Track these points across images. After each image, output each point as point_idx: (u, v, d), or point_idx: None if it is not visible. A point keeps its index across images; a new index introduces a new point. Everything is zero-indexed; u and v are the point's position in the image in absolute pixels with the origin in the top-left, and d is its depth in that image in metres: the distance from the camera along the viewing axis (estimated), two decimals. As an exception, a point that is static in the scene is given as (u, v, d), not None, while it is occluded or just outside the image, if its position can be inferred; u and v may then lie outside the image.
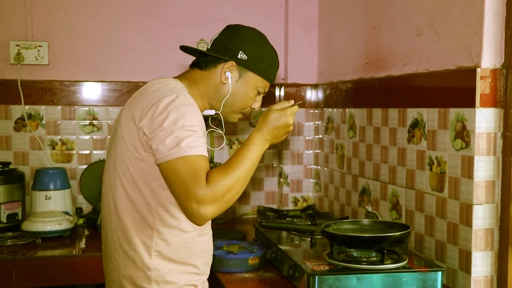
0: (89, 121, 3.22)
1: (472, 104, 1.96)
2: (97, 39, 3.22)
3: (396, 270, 1.97)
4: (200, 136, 1.67)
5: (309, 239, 2.42)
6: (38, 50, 3.10)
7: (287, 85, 3.38)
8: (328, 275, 1.92)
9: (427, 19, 2.24)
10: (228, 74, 1.86)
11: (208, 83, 1.88)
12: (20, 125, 3.14)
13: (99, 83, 3.23)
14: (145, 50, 3.27)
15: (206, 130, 1.86)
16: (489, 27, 1.92)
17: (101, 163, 3.17)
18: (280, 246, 2.28)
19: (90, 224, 3.00)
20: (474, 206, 1.96)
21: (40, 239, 2.70)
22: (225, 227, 3.04)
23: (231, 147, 3.40)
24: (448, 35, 2.11)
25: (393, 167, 2.48)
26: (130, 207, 1.76)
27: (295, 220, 2.78)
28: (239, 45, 1.86)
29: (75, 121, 3.21)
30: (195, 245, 1.81)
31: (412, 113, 2.32)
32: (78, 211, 3.13)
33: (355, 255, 2.07)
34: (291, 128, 1.82)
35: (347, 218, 2.83)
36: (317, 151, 3.36)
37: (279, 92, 3.42)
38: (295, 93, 3.37)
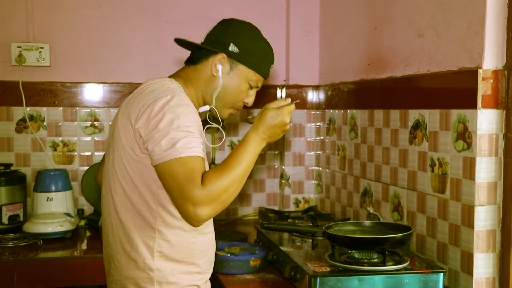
0: (90, 123, 3.23)
1: (473, 105, 1.95)
2: (98, 40, 3.22)
3: (397, 271, 1.96)
4: (196, 137, 1.67)
5: (310, 240, 2.41)
6: (40, 52, 3.11)
7: (288, 86, 3.37)
8: (329, 277, 1.92)
9: (428, 20, 2.24)
10: (219, 66, 1.84)
11: (200, 77, 1.87)
12: (21, 126, 3.14)
13: (101, 85, 3.23)
14: (146, 51, 3.27)
15: (204, 128, 1.86)
16: (491, 28, 1.92)
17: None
18: (282, 248, 2.27)
19: (92, 226, 3.00)
20: (476, 208, 1.96)
21: (41, 241, 2.70)
22: (226, 229, 3.04)
23: (232, 148, 3.40)
24: (449, 36, 2.11)
25: (394, 169, 2.48)
26: (130, 208, 1.75)
27: (296, 221, 2.78)
28: (230, 37, 1.85)
29: (76, 123, 3.21)
30: (197, 245, 1.81)
31: (413, 114, 2.32)
32: (80, 212, 3.13)
33: (356, 256, 2.07)
34: (288, 127, 1.80)
35: (349, 219, 2.82)
36: (318, 152, 3.36)
37: (281, 94, 3.41)
38: (296, 94, 3.37)
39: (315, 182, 3.39)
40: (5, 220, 2.83)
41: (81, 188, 3.19)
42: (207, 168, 1.84)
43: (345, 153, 2.98)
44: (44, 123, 3.17)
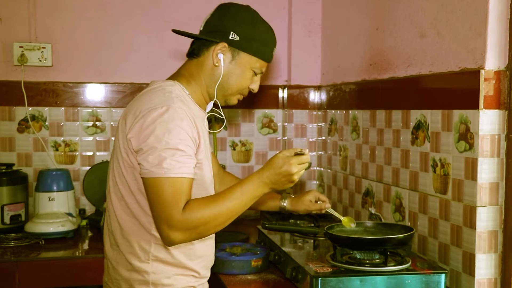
0: (92, 123, 3.23)
1: (476, 106, 1.95)
2: (100, 40, 3.22)
3: (399, 272, 1.96)
4: (185, 155, 1.63)
5: (312, 241, 2.41)
6: (42, 52, 3.11)
7: (290, 87, 3.37)
8: (331, 277, 1.91)
9: (430, 21, 2.24)
10: (220, 56, 1.80)
11: (203, 69, 1.83)
12: (23, 126, 3.15)
13: (102, 85, 3.23)
14: (148, 51, 3.27)
15: (205, 116, 1.83)
16: (493, 29, 1.92)
17: (104, 165, 3.17)
18: (283, 248, 2.27)
19: (93, 226, 3.00)
20: (477, 208, 1.96)
21: (43, 241, 2.70)
22: (227, 229, 3.03)
23: (234, 149, 3.40)
24: (452, 37, 2.11)
25: (396, 169, 2.48)
26: (128, 212, 1.75)
27: (298, 222, 2.77)
28: (230, 25, 1.80)
29: (78, 123, 3.21)
30: (195, 250, 1.80)
31: (415, 115, 2.32)
32: (81, 212, 3.13)
33: (358, 257, 2.06)
34: (295, 177, 1.71)
35: (350, 220, 2.82)
36: (320, 152, 3.36)
37: (283, 94, 3.42)
38: (298, 95, 3.36)
39: (317, 182, 3.39)
40: (6, 220, 2.84)
41: (83, 188, 3.19)
42: (210, 170, 1.83)
43: (347, 153, 2.98)
44: (46, 123, 3.17)
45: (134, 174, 1.71)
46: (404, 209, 2.41)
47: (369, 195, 2.73)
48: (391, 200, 2.52)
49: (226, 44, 1.80)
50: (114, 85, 3.24)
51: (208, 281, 1.91)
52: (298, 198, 2.36)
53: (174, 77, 1.87)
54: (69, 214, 2.88)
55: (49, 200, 2.87)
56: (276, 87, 3.41)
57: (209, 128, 1.90)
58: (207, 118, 1.90)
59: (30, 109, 3.14)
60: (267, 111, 3.44)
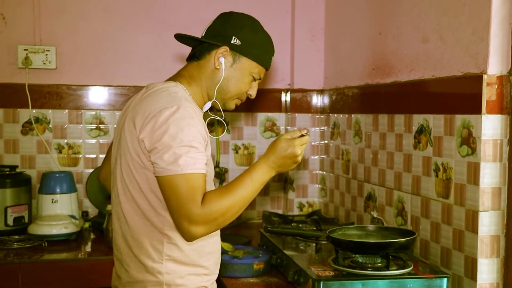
0: (95, 125, 3.24)
1: (478, 111, 1.96)
2: (104, 43, 3.23)
3: (401, 276, 1.96)
4: (198, 152, 1.67)
5: (314, 244, 2.41)
6: (46, 55, 3.12)
7: (293, 91, 3.38)
8: (333, 281, 1.92)
9: (433, 26, 2.25)
10: (222, 59, 1.84)
11: (204, 72, 1.87)
12: (27, 128, 3.16)
13: (106, 88, 3.24)
14: (152, 54, 3.28)
15: (206, 120, 1.86)
16: (496, 33, 1.92)
17: (107, 167, 3.18)
18: (285, 251, 2.28)
19: (96, 228, 3.01)
20: (480, 213, 1.96)
21: (46, 243, 2.71)
22: (230, 232, 3.04)
23: (236, 152, 3.41)
24: (454, 41, 2.11)
25: (398, 173, 2.48)
26: (138, 213, 1.76)
27: (300, 225, 2.78)
28: (232, 30, 1.85)
29: (81, 125, 3.22)
30: (205, 247, 1.82)
31: (418, 119, 2.32)
32: (84, 214, 3.14)
33: (360, 261, 2.07)
34: (299, 158, 1.79)
35: (353, 223, 2.82)
36: (322, 156, 3.36)
37: (285, 98, 3.42)
38: (301, 99, 3.37)
39: (319, 186, 3.39)
40: (10, 221, 2.84)
41: (86, 191, 3.20)
42: (212, 173, 1.85)
43: (349, 157, 2.98)
44: (50, 126, 3.18)
45: (146, 174, 1.72)
46: (406, 213, 2.41)
47: (371, 199, 2.73)
48: (393, 204, 2.52)
49: (227, 48, 1.84)
50: (118, 88, 3.25)
51: (211, 283, 1.92)
52: None
53: (174, 78, 1.90)
54: (72, 216, 2.89)
55: (52, 202, 2.87)
56: (279, 91, 3.42)
57: (212, 132, 1.91)
58: (209, 122, 1.92)
59: (34, 111, 3.15)
60: (269, 114, 3.44)
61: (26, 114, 3.14)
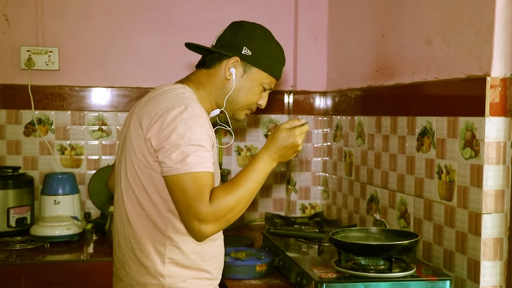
0: (98, 127, 3.24)
1: (481, 113, 1.95)
2: (106, 45, 3.24)
3: (404, 278, 1.96)
4: (206, 151, 1.66)
5: (316, 246, 2.41)
6: (49, 56, 3.12)
7: (296, 92, 3.38)
8: (335, 283, 1.92)
9: (437, 28, 2.24)
10: (232, 70, 1.84)
11: (214, 81, 1.86)
12: (30, 130, 3.16)
13: (109, 89, 3.25)
14: (154, 56, 3.28)
15: (214, 128, 1.86)
16: (500, 36, 1.92)
17: (109, 169, 3.17)
18: (288, 253, 2.27)
19: (98, 229, 3.01)
20: (483, 215, 1.95)
21: (48, 244, 2.71)
22: (232, 234, 3.04)
23: (239, 154, 3.41)
24: (458, 43, 2.11)
25: (401, 175, 2.48)
26: (142, 215, 1.76)
27: (303, 227, 2.78)
28: (243, 40, 1.84)
29: (84, 127, 3.23)
30: (208, 251, 1.81)
31: (421, 121, 2.32)
32: (87, 216, 3.14)
33: (363, 263, 2.06)
34: (300, 147, 1.79)
35: (355, 226, 2.82)
36: (325, 158, 3.36)
37: (288, 99, 3.42)
38: (303, 100, 3.37)
39: (322, 188, 3.39)
40: (12, 223, 2.84)
41: (88, 192, 3.20)
42: (218, 176, 1.85)
43: (352, 159, 2.98)
44: (52, 127, 3.18)
45: (151, 174, 1.72)
46: (409, 215, 2.41)
47: (374, 201, 2.73)
48: (396, 206, 2.52)
49: (238, 59, 1.84)
50: (120, 89, 3.25)
51: (214, 285, 1.92)
52: None
53: (182, 81, 1.90)
54: (75, 218, 2.89)
55: (54, 204, 2.87)
56: (282, 93, 3.42)
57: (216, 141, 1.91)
58: (214, 131, 1.92)
59: (37, 112, 3.15)
60: (272, 116, 3.44)
61: (28, 115, 3.14)
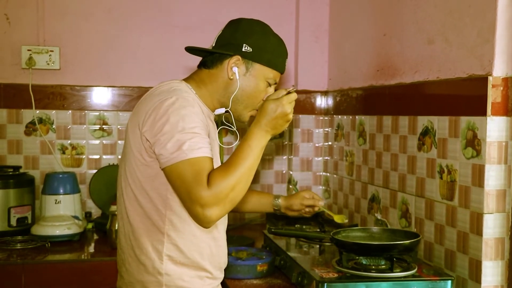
0: (99, 126, 3.24)
1: (483, 113, 1.95)
2: (107, 44, 3.23)
3: (405, 278, 1.96)
4: (202, 137, 1.65)
5: (318, 246, 2.41)
6: (50, 55, 3.12)
7: (297, 92, 3.36)
8: (337, 283, 1.91)
9: (438, 27, 2.24)
10: (235, 69, 1.83)
11: (216, 80, 1.86)
12: (30, 129, 3.16)
13: (109, 88, 3.25)
14: (155, 55, 3.28)
15: (218, 128, 1.85)
16: (501, 35, 1.91)
17: (110, 168, 3.18)
18: (289, 253, 2.27)
19: (99, 229, 3.01)
20: (484, 215, 1.95)
21: (49, 243, 2.71)
22: (233, 233, 3.03)
23: (240, 153, 3.40)
24: (459, 43, 2.11)
25: (403, 175, 2.47)
26: (140, 212, 1.76)
27: (304, 227, 2.78)
28: (242, 38, 1.83)
29: (85, 126, 3.23)
30: (207, 249, 1.81)
31: (422, 121, 2.32)
32: (87, 215, 3.14)
33: (364, 262, 2.06)
34: (291, 116, 1.76)
35: (356, 225, 2.82)
36: (326, 158, 3.36)
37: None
38: (305, 100, 3.37)
39: (323, 187, 3.39)
40: (13, 222, 2.84)
41: (89, 191, 3.20)
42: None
43: (353, 159, 2.98)
44: (53, 126, 3.18)
45: (148, 171, 1.72)
46: (411, 215, 2.41)
47: (375, 201, 2.72)
48: (397, 206, 2.52)
49: (239, 57, 1.83)
50: (121, 89, 3.25)
51: (214, 285, 1.92)
52: (292, 195, 2.41)
53: (183, 79, 1.90)
54: (75, 217, 2.89)
55: (55, 203, 2.87)
56: (283, 92, 3.41)
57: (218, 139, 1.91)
58: (218, 131, 1.92)
59: (38, 112, 3.15)
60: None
61: (29, 114, 3.14)
